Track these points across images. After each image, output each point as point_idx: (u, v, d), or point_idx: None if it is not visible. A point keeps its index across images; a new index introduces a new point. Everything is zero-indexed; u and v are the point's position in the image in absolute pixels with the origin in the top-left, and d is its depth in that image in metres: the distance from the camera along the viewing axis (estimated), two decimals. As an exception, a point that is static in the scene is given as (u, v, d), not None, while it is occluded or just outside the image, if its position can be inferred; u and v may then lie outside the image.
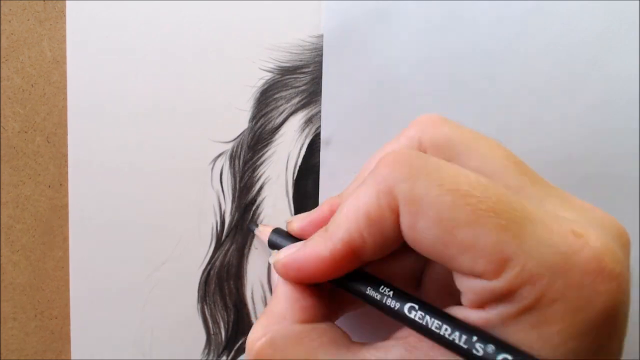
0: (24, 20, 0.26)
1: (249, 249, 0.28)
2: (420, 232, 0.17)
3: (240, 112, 0.27)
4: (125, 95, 0.27)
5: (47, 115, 0.27)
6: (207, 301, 0.28)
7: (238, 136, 0.27)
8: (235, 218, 0.28)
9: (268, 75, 0.27)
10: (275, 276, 0.22)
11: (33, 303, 0.28)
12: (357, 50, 0.27)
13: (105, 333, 0.28)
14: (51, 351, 0.28)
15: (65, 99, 0.27)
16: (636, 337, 0.28)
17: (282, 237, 0.24)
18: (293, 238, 0.24)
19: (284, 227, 0.25)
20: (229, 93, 0.27)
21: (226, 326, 0.28)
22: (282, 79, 0.27)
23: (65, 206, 0.27)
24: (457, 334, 0.17)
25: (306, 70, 0.27)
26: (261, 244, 0.28)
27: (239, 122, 0.27)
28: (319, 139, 0.27)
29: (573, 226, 0.16)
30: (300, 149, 0.27)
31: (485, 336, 0.16)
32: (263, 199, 0.28)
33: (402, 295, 0.19)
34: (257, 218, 0.28)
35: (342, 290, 0.21)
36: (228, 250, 0.28)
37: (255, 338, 0.19)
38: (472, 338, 0.16)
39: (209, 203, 0.27)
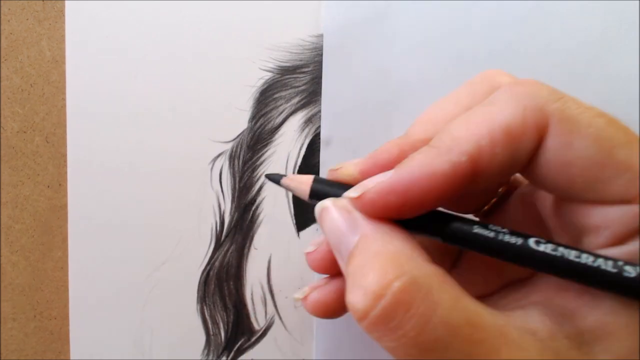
0: (23, 20, 0.26)
1: (249, 249, 0.28)
2: (574, 152, 0.16)
3: (240, 112, 0.27)
4: (125, 95, 0.26)
5: (46, 115, 0.27)
6: (207, 302, 0.28)
7: (238, 136, 0.27)
8: (234, 218, 0.28)
9: (268, 75, 0.27)
10: (340, 225, 0.17)
11: (32, 303, 0.28)
12: (357, 50, 0.27)
13: (104, 334, 0.28)
14: (50, 351, 0.28)
15: (64, 98, 0.26)
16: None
17: (329, 186, 0.19)
18: (345, 186, 0.18)
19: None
20: (228, 93, 0.27)
21: (226, 327, 0.28)
22: (282, 79, 0.27)
23: (64, 206, 0.27)
24: (600, 260, 0.15)
25: (306, 70, 0.27)
26: (262, 244, 0.28)
27: (239, 122, 0.27)
28: (319, 138, 0.27)
29: None
30: (300, 149, 0.27)
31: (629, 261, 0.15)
32: (263, 199, 0.28)
33: (518, 233, 0.16)
34: (257, 218, 0.28)
35: None
36: (228, 250, 0.28)
37: (388, 280, 0.15)
38: (618, 262, 0.15)
39: (208, 203, 0.27)
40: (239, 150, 0.27)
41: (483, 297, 0.20)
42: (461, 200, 0.21)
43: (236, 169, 0.27)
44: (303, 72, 0.27)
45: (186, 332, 0.28)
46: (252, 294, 0.28)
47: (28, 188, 0.27)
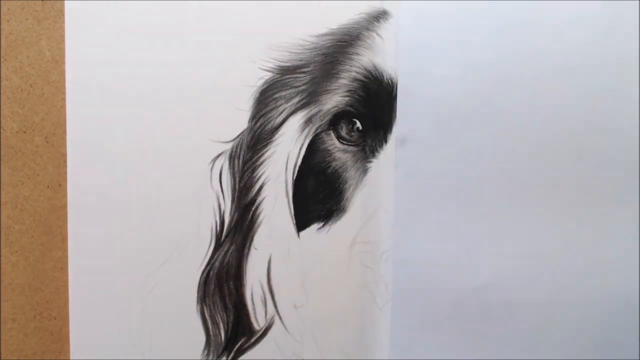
0: (23, 20, 0.26)
1: (249, 249, 0.28)
2: None
3: (240, 112, 0.27)
4: (124, 96, 0.26)
5: (45, 115, 0.27)
6: (207, 302, 0.28)
7: (238, 136, 0.27)
8: (234, 218, 0.28)
9: (268, 75, 0.27)
10: None
11: (32, 304, 0.28)
12: (434, 48, 0.27)
13: (104, 334, 0.28)
14: (50, 352, 0.28)
15: (64, 98, 0.26)
16: (636, 337, 0.28)
17: None
18: None
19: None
20: (228, 93, 0.27)
21: (226, 327, 0.28)
22: (282, 79, 0.27)
23: (64, 206, 0.27)
24: None
25: (306, 69, 0.27)
26: (262, 245, 0.28)
27: (239, 122, 0.27)
28: (319, 138, 0.27)
29: None
30: (300, 149, 0.27)
31: None
32: (263, 199, 0.28)
33: None
34: (257, 218, 0.28)
35: None
36: (227, 250, 0.28)
37: None
38: None
39: (208, 203, 0.27)
40: (239, 150, 0.27)
41: None
42: None
43: (236, 169, 0.27)
44: (303, 72, 0.27)
45: (186, 332, 0.28)
46: (252, 294, 0.28)
47: (28, 188, 0.27)
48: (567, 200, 0.28)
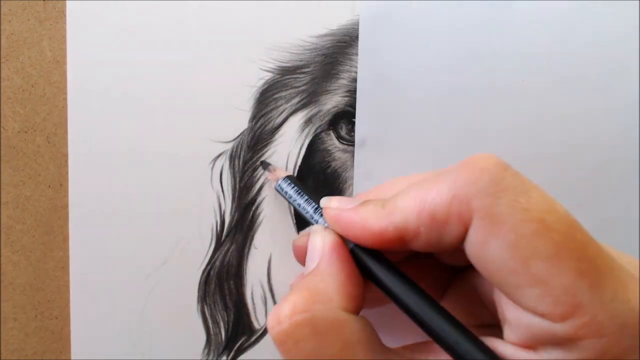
0: (24, 20, 0.26)
1: (249, 248, 0.28)
2: (491, 252, 0.16)
3: (240, 112, 0.27)
4: (125, 95, 0.27)
5: (47, 115, 0.27)
6: (207, 301, 0.28)
7: (238, 136, 0.27)
8: (235, 218, 0.28)
9: (268, 75, 0.27)
10: (317, 241, 0.20)
11: (33, 303, 0.28)
12: (391, 48, 0.27)
13: (105, 333, 0.28)
14: (51, 351, 0.28)
15: (65, 99, 0.27)
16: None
17: (293, 187, 0.25)
18: (305, 195, 0.24)
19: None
20: (229, 93, 0.27)
21: (226, 326, 0.28)
22: (282, 79, 0.27)
23: (65, 206, 0.27)
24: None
25: (306, 70, 0.27)
26: (262, 244, 0.28)
27: (239, 122, 0.27)
28: (319, 138, 0.27)
29: None
30: (300, 149, 0.28)
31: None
32: (263, 199, 0.28)
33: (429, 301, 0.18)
34: (257, 218, 0.28)
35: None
36: (228, 250, 0.28)
37: (293, 312, 0.17)
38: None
39: (209, 203, 0.27)
40: (239, 150, 0.27)
41: (475, 326, 0.21)
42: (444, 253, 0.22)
43: (236, 169, 0.27)
44: (303, 73, 0.27)
45: (186, 331, 0.28)
46: (252, 294, 0.28)
47: (29, 188, 0.27)
48: None
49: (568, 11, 0.27)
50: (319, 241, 0.20)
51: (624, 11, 0.27)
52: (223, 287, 0.28)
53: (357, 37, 0.27)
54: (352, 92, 0.27)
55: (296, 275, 0.26)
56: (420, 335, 0.19)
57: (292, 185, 0.25)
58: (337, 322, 0.17)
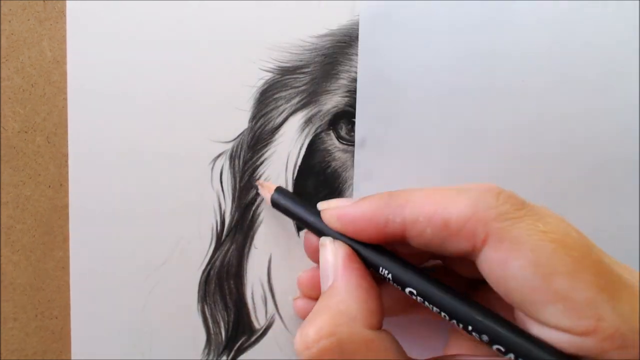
0: (24, 20, 0.26)
1: (249, 248, 0.28)
2: (511, 270, 0.17)
3: (240, 112, 0.27)
4: (125, 95, 0.27)
5: (47, 115, 0.27)
6: (207, 301, 0.28)
7: (238, 136, 0.27)
8: (235, 218, 0.28)
9: (268, 75, 0.27)
10: (328, 256, 0.21)
11: (33, 303, 0.28)
12: (392, 48, 0.27)
13: (105, 333, 0.28)
14: (51, 351, 0.28)
15: (65, 98, 0.27)
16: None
17: (287, 198, 0.25)
18: (299, 203, 0.24)
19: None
20: (229, 93, 0.27)
21: (226, 326, 0.28)
22: (282, 79, 0.27)
23: (65, 206, 0.27)
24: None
25: (306, 70, 0.27)
26: (262, 244, 0.28)
27: (239, 122, 0.27)
28: (319, 138, 0.27)
29: None
30: (300, 149, 0.28)
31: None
32: (263, 199, 0.28)
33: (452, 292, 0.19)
34: (257, 218, 0.28)
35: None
36: (228, 250, 0.28)
37: (320, 336, 0.17)
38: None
39: (209, 203, 0.27)
40: (239, 150, 0.27)
41: None
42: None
43: (236, 168, 0.27)
44: (303, 73, 0.27)
45: (187, 331, 0.28)
46: (252, 293, 0.28)
47: (29, 188, 0.27)
48: (529, 199, 0.28)
49: (568, 11, 0.27)
50: (330, 257, 0.20)
51: (624, 11, 0.27)
52: (223, 287, 0.28)
53: (357, 37, 0.27)
54: (352, 92, 0.27)
55: (303, 270, 0.26)
56: (435, 348, 0.19)
57: (287, 197, 0.25)
58: (364, 341, 0.18)
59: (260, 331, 0.28)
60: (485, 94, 0.27)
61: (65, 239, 0.27)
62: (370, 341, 0.18)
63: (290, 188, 0.28)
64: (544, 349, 0.16)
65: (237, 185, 0.28)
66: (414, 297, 0.19)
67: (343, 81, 0.27)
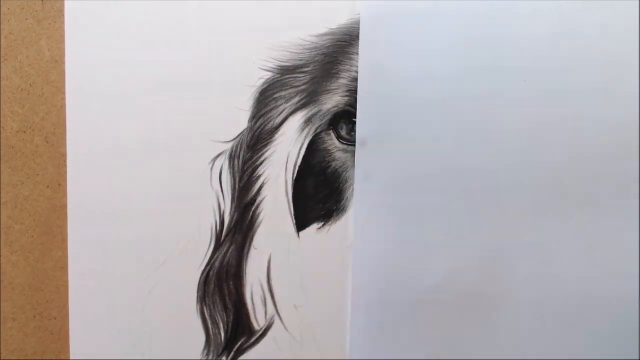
0: (23, 20, 0.26)
1: (249, 249, 0.28)
2: None
3: (240, 112, 0.27)
4: (124, 95, 0.26)
5: (45, 115, 0.27)
6: (207, 302, 0.28)
7: (238, 136, 0.27)
8: (235, 218, 0.28)
9: (268, 75, 0.27)
10: None
11: (32, 304, 0.28)
12: (393, 48, 0.27)
13: (104, 333, 0.28)
14: (50, 352, 0.28)
15: (64, 98, 0.26)
16: (636, 337, 0.28)
17: None
18: None
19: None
20: (228, 93, 0.27)
21: (226, 327, 0.28)
22: (282, 79, 0.27)
23: (64, 206, 0.27)
24: None
25: (306, 69, 0.27)
26: (262, 244, 0.28)
27: (239, 122, 0.27)
28: (319, 138, 0.27)
29: None
30: (300, 149, 0.27)
31: None
32: (263, 199, 0.28)
33: None
34: (257, 218, 0.28)
35: None
36: (228, 250, 0.28)
37: None
38: None
39: (208, 203, 0.27)
40: (239, 150, 0.27)
41: None
42: None
43: (236, 169, 0.27)
44: (303, 72, 0.27)
45: (186, 332, 0.28)
46: (252, 294, 0.28)
47: (28, 188, 0.27)
48: (528, 200, 0.28)
49: (568, 11, 0.26)
50: None
51: (624, 11, 0.26)
52: (223, 288, 0.28)
53: (357, 37, 0.27)
54: (352, 92, 0.27)
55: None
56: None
57: None
58: None
59: (260, 332, 0.28)
60: (485, 94, 0.27)
61: (64, 239, 0.27)
62: None
63: (290, 188, 0.28)
64: None
65: (237, 186, 0.27)
66: None
67: (343, 80, 0.27)
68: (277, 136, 0.27)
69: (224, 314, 0.28)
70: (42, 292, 0.28)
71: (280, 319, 0.28)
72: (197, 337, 0.28)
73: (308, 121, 0.27)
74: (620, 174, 0.27)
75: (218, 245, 0.28)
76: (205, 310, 0.28)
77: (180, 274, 0.28)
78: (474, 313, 0.28)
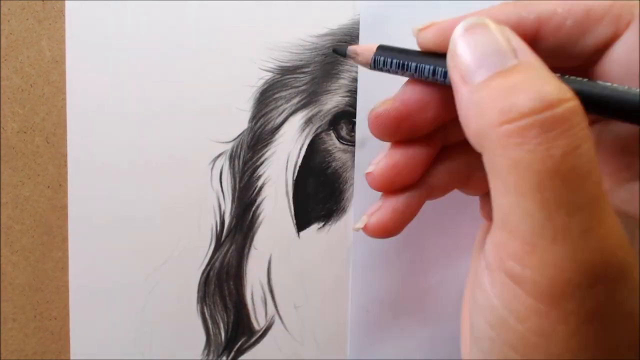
0: (23, 20, 0.26)
1: (249, 249, 0.28)
2: None
3: (240, 112, 0.27)
4: (125, 95, 0.26)
5: (46, 115, 0.27)
6: (207, 302, 0.28)
7: (238, 136, 0.27)
8: (235, 218, 0.28)
9: (268, 75, 0.27)
10: (499, 43, 0.16)
11: (32, 304, 0.28)
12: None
13: (104, 334, 0.28)
14: (51, 352, 0.28)
15: (64, 98, 0.26)
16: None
17: (395, 51, 0.21)
18: (410, 51, 0.21)
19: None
20: (229, 93, 0.27)
21: (226, 327, 0.28)
22: (282, 79, 0.27)
23: (64, 207, 0.27)
24: None
25: (306, 70, 0.27)
26: (262, 244, 0.28)
27: (239, 122, 0.27)
28: (319, 138, 0.27)
29: None
30: (300, 149, 0.27)
31: None
32: (263, 199, 0.28)
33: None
34: (257, 218, 0.28)
35: None
36: (228, 250, 0.28)
37: (567, 97, 0.14)
38: None
39: (208, 203, 0.27)
40: (239, 150, 0.27)
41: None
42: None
43: (236, 169, 0.27)
44: (303, 72, 0.27)
45: (186, 332, 0.28)
46: (252, 294, 0.28)
47: (28, 188, 0.27)
48: None
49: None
50: (499, 36, 0.16)
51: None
52: (223, 288, 0.28)
53: (357, 37, 0.27)
54: (352, 92, 0.27)
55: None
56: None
57: (390, 55, 0.21)
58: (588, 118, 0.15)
59: (260, 332, 0.28)
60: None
61: (65, 240, 0.27)
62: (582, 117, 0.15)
63: (290, 188, 0.28)
64: None
65: (237, 186, 0.27)
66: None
67: (343, 81, 0.27)
68: (277, 136, 0.27)
69: (224, 314, 0.28)
70: (42, 292, 0.28)
71: (280, 319, 0.28)
72: (197, 337, 0.28)
73: (308, 121, 0.27)
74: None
75: (218, 245, 0.28)
76: (206, 310, 0.28)
77: (180, 274, 0.28)
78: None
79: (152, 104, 0.27)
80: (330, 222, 0.28)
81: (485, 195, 0.24)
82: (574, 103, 0.14)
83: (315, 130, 0.27)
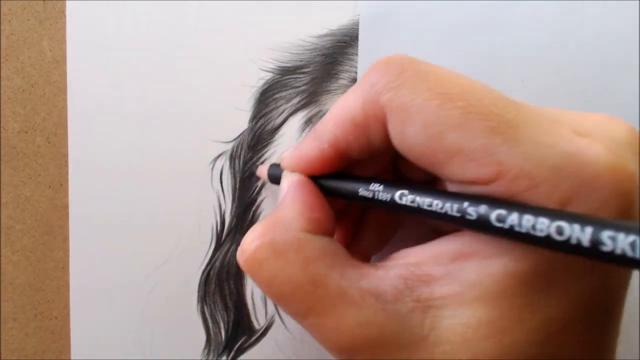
0: (24, 20, 0.26)
1: (249, 249, 0.28)
2: (408, 139, 0.17)
3: (240, 112, 0.27)
4: (126, 95, 0.27)
5: (47, 115, 0.27)
6: (207, 301, 0.28)
7: (238, 136, 0.27)
8: (235, 218, 0.28)
9: (268, 76, 0.27)
10: (283, 184, 0.21)
11: (33, 303, 0.28)
12: (393, 49, 0.27)
13: (105, 333, 0.28)
14: (51, 351, 0.28)
15: (65, 99, 0.27)
16: (636, 337, 0.28)
17: (277, 167, 0.24)
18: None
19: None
20: (229, 93, 0.27)
21: (226, 326, 0.28)
22: (282, 79, 0.27)
23: (65, 206, 0.27)
24: (448, 205, 0.16)
25: (306, 70, 0.27)
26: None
27: (239, 122, 0.27)
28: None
29: (575, 126, 0.16)
30: (300, 149, 0.27)
31: (477, 199, 0.16)
32: (263, 199, 0.28)
33: (392, 186, 0.18)
34: (258, 218, 0.28)
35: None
36: (228, 250, 0.28)
37: (254, 238, 0.18)
38: (463, 203, 0.16)
39: (209, 203, 0.27)
40: (239, 150, 0.27)
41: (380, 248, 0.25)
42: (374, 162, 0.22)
43: (237, 169, 0.27)
44: (303, 73, 0.27)
45: (186, 331, 0.28)
46: (252, 294, 0.28)
47: (29, 188, 0.27)
48: None
49: (568, 11, 0.27)
50: (285, 183, 0.21)
51: (624, 11, 0.27)
52: (223, 287, 0.28)
53: (357, 37, 0.27)
54: (352, 92, 0.27)
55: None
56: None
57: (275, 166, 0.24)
58: (297, 241, 0.18)
59: (260, 331, 0.28)
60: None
61: (65, 239, 0.27)
62: (305, 241, 0.18)
63: (290, 188, 0.28)
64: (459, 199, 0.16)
65: (237, 186, 0.28)
66: (405, 201, 0.18)
67: (343, 81, 0.27)
68: (277, 136, 0.27)
69: (225, 314, 0.28)
70: (43, 291, 0.28)
71: (281, 318, 0.28)
72: (198, 337, 0.28)
73: (308, 121, 0.27)
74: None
75: (219, 245, 0.28)
76: (206, 310, 0.28)
77: (180, 273, 0.28)
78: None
79: (153, 104, 0.27)
80: (330, 222, 0.28)
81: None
82: (259, 242, 0.18)
83: (315, 130, 0.27)
